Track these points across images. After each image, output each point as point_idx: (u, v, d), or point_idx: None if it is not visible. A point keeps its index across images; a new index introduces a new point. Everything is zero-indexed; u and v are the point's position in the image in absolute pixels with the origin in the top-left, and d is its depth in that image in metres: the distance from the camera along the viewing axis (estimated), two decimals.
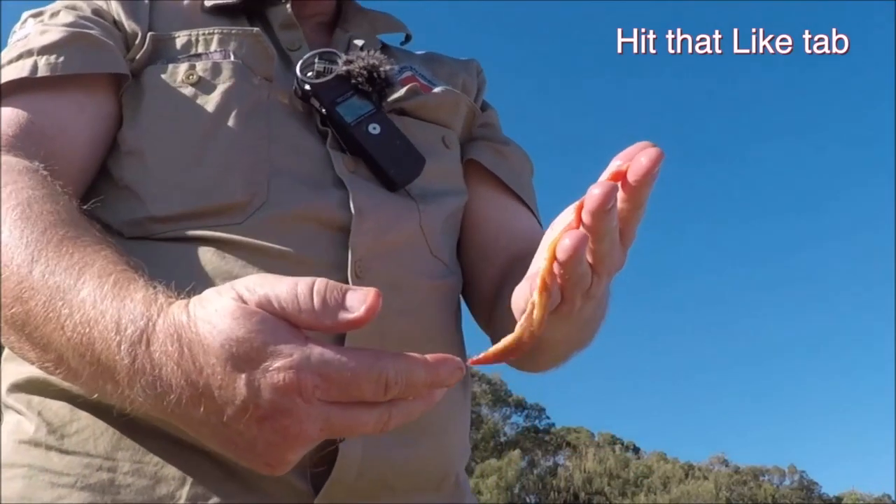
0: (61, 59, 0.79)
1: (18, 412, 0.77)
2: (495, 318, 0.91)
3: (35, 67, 0.78)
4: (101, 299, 0.58)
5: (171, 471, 0.70)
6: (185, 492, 0.70)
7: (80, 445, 0.71)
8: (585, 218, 0.53)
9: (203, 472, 0.71)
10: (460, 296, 0.93)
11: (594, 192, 0.52)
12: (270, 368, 0.51)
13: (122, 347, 0.55)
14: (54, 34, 0.80)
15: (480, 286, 0.93)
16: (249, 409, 0.52)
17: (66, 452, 0.71)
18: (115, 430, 0.72)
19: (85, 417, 0.72)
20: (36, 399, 0.75)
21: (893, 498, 35.86)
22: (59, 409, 0.74)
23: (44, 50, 0.79)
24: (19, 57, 0.79)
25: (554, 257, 0.54)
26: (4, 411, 0.80)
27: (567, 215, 0.58)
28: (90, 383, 0.59)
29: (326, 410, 0.52)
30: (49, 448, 0.72)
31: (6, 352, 0.81)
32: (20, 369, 0.78)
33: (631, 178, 0.53)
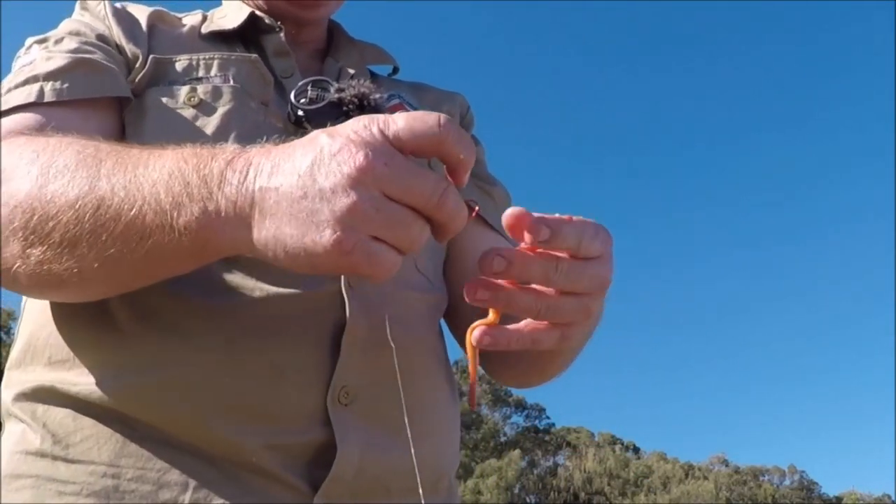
0: (66, 84, 0.82)
1: (22, 421, 0.79)
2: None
3: (42, 93, 0.81)
4: (187, 153, 0.64)
5: (173, 476, 0.73)
6: (187, 496, 0.72)
7: (84, 454, 0.74)
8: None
9: (205, 476, 0.73)
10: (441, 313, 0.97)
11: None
12: (352, 122, 0.59)
13: (219, 158, 0.61)
14: (59, 60, 0.83)
15: (467, 309, 0.96)
16: (323, 152, 0.57)
17: (72, 461, 0.74)
18: (119, 437, 0.74)
19: (89, 426, 0.75)
20: (41, 408, 0.78)
21: (893, 498, 35.87)
22: (63, 418, 0.76)
23: (49, 76, 0.82)
24: (25, 82, 0.82)
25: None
26: (7, 419, 0.82)
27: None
28: (167, 213, 0.61)
29: (393, 152, 0.57)
30: (55, 458, 0.75)
31: (11, 359, 0.84)
32: (25, 378, 0.80)
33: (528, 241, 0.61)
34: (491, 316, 0.64)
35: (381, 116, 0.58)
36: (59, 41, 0.87)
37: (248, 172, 0.60)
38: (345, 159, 0.56)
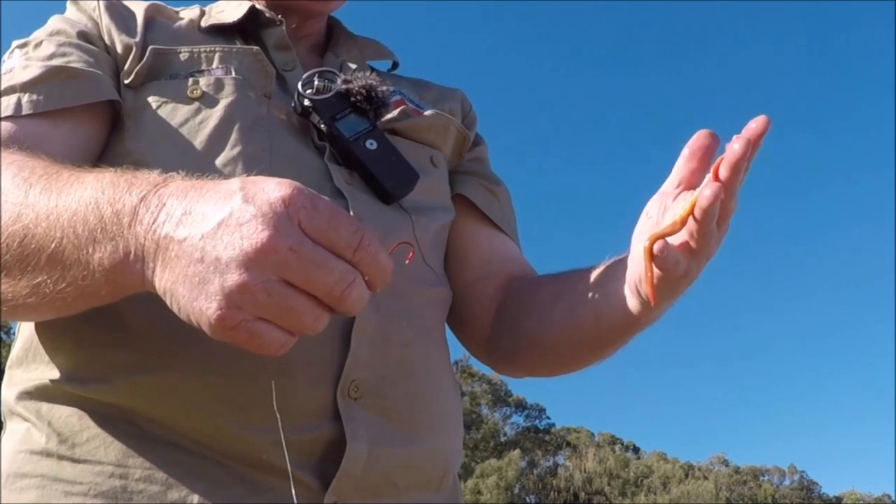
0: (41, 96, 0.81)
1: (26, 420, 0.78)
2: (496, 327, 0.97)
3: (19, 105, 0.81)
4: (105, 181, 0.63)
5: (181, 476, 0.72)
6: (195, 496, 0.72)
7: (91, 454, 0.74)
8: (724, 171, 0.66)
9: (213, 475, 0.73)
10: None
11: (734, 147, 0.65)
12: (270, 186, 0.56)
13: (133, 192, 0.60)
14: (34, 69, 0.83)
15: (478, 302, 0.99)
16: (231, 216, 0.55)
17: (78, 461, 0.74)
18: (125, 437, 0.74)
19: (94, 426, 0.75)
20: (45, 407, 0.77)
21: (893, 498, 35.85)
22: (68, 417, 0.76)
23: (25, 87, 0.82)
24: (4, 92, 0.82)
25: (692, 208, 0.67)
26: (9, 417, 0.82)
27: (651, 211, 0.75)
28: (81, 251, 0.61)
29: (302, 238, 0.54)
30: (61, 458, 0.74)
31: (11, 357, 0.83)
32: (28, 376, 0.80)
33: (746, 133, 0.65)
34: (678, 218, 0.69)
35: (306, 191, 0.56)
36: (37, 46, 0.87)
37: (158, 214, 0.58)
38: (249, 234, 0.54)
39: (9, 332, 24.21)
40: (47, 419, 0.76)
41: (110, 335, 0.76)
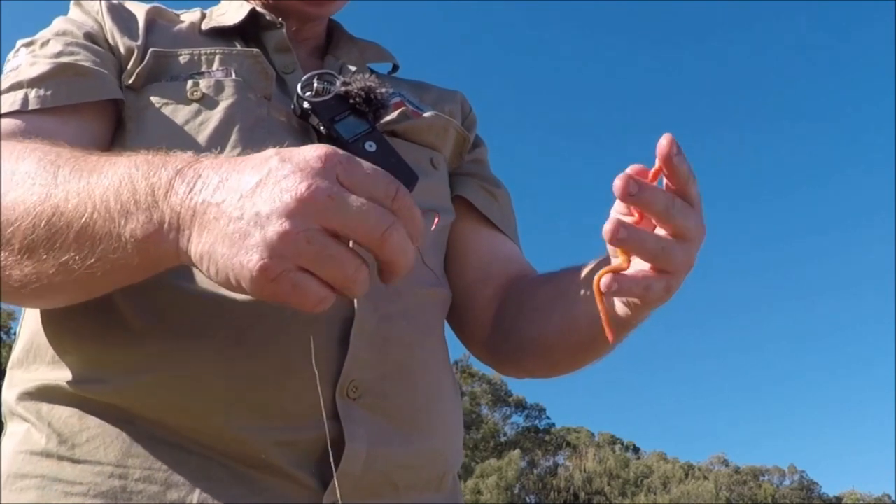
0: (49, 91, 0.82)
1: (27, 421, 0.79)
2: (496, 328, 0.98)
3: (26, 100, 0.81)
4: (139, 159, 0.64)
5: (181, 476, 0.73)
6: (195, 496, 0.72)
7: (90, 454, 0.74)
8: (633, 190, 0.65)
9: (213, 475, 0.73)
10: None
11: (625, 173, 0.65)
12: (304, 149, 0.58)
13: (169, 167, 0.61)
14: (42, 66, 0.83)
15: (478, 303, 1.00)
16: (270, 175, 0.57)
17: (78, 461, 0.74)
18: (125, 437, 0.74)
19: (95, 426, 0.75)
20: (45, 407, 0.77)
21: (893, 498, 35.86)
22: (68, 417, 0.76)
23: (33, 83, 0.82)
24: (10, 88, 0.82)
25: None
26: (10, 418, 0.82)
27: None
28: (115, 224, 0.62)
29: (340, 189, 0.56)
30: (61, 458, 0.74)
31: (12, 358, 0.84)
32: (29, 377, 0.80)
33: (658, 160, 0.66)
34: (621, 261, 0.69)
35: (340, 151, 0.58)
36: (45, 44, 0.87)
37: (195, 184, 0.59)
38: (288, 187, 0.55)
39: (9, 332, 24.21)
40: (47, 420, 0.77)
41: (110, 336, 0.76)
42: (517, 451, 31.97)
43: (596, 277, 0.68)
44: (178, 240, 0.60)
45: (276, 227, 0.54)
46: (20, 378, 0.81)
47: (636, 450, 37.72)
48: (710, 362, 62.91)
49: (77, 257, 0.64)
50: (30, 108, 0.81)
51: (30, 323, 0.83)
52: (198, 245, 0.59)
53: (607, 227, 0.65)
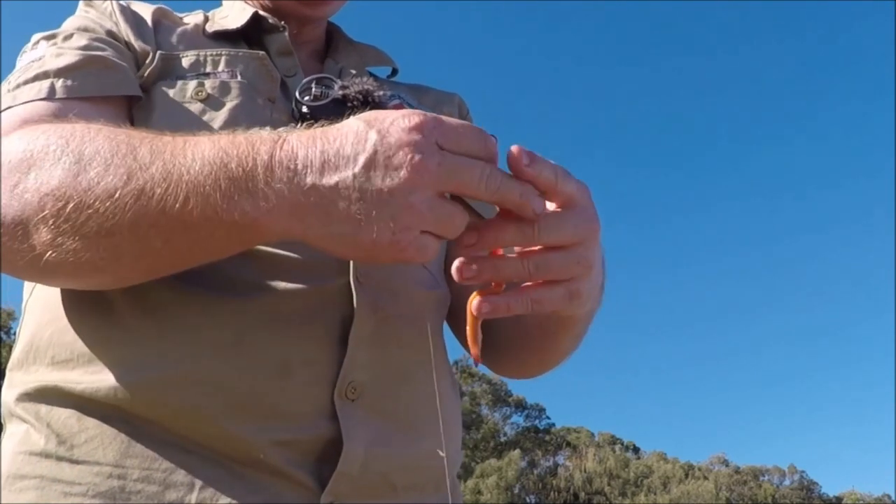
0: (77, 82, 0.82)
1: (26, 422, 0.79)
2: (489, 330, 0.97)
3: (52, 89, 0.80)
4: (222, 142, 0.64)
5: (179, 476, 0.73)
6: (194, 496, 0.72)
7: (89, 454, 0.74)
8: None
9: (211, 475, 0.73)
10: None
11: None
12: (397, 118, 0.61)
13: (261, 150, 0.62)
14: (70, 57, 0.83)
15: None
16: (378, 153, 0.59)
17: (77, 462, 0.74)
18: (124, 437, 0.74)
19: (93, 426, 0.75)
20: (44, 408, 0.77)
21: (893, 498, 35.85)
22: (67, 418, 0.76)
23: (60, 72, 0.82)
24: (35, 78, 0.81)
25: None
26: (9, 420, 0.82)
27: None
28: (218, 205, 0.62)
29: (442, 154, 0.60)
30: (60, 459, 0.74)
31: (12, 360, 0.84)
32: (28, 378, 0.80)
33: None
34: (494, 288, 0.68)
35: (429, 115, 0.62)
36: (68, 37, 0.87)
37: (296, 167, 0.61)
38: (401, 163, 0.59)
39: (9, 332, 24.22)
40: (46, 420, 0.77)
41: (109, 336, 0.76)
42: (517, 451, 31.98)
43: (469, 301, 0.67)
44: (289, 222, 0.62)
45: (400, 202, 0.59)
46: (20, 379, 0.81)
47: (636, 450, 37.73)
48: (710, 362, 62.92)
49: (165, 239, 0.65)
50: (57, 97, 0.80)
51: (30, 324, 0.83)
52: (314, 227, 0.61)
53: (452, 271, 0.66)
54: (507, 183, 0.62)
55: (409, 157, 0.59)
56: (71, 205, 0.65)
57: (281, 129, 0.65)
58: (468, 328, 0.69)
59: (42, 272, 0.70)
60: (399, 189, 0.59)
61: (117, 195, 0.64)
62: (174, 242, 0.65)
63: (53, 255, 0.67)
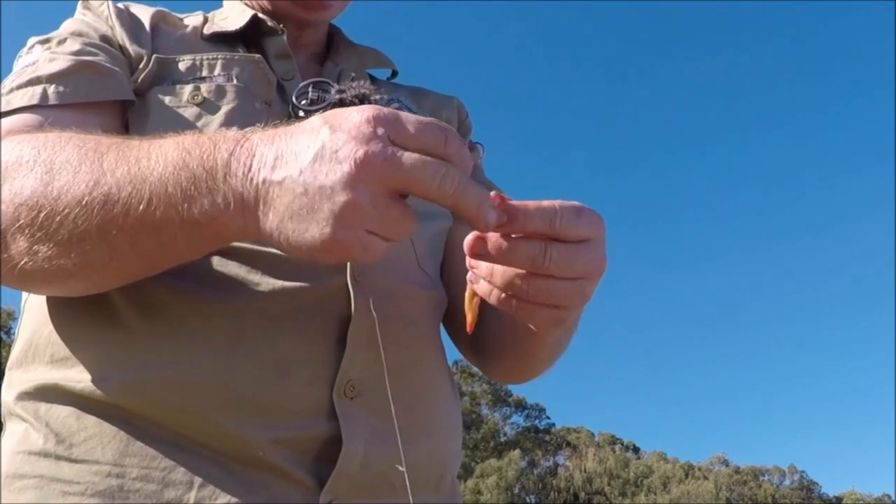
0: (69, 88, 0.82)
1: (25, 421, 0.79)
2: (481, 333, 0.98)
3: (45, 95, 0.81)
4: (186, 143, 0.65)
5: (178, 475, 0.73)
6: (192, 494, 0.72)
7: (88, 453, 0.74)
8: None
9: (210, 474, 0.73)
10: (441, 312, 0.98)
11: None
12: (351, 114, 0.59)
13: (221, 148, 0.62)
14: (62, 62, 0.83)
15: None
16: (325, 146, 0.58)
17: (76, 461, 0.74)
18: (122, 436, 0.74)
19: (92, 426, 0.75)
20: (44, 408, 0.78)
21: (893, 498, 35.86)
22: (66, 417, 0.76)
23: (52, 78, 0.82)
24: (28, 83, 0.82)
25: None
26: (8, 419, 0.82)
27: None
28: (177, 207, 0.63)
29: (393, 149, 0.57)
30: (59, 458, 0.74)
31: (11, 359, 0.84)
32: (27, 377, 0.80)
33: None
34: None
35: (385, 109, 0.59)
36: (61, 42, 0.87)
37: (251, 164, 0.61)
38: (345, 156, 0.57)
39: (9, 332, 24.22)
40: (45, 420, 0.77)
41: (108, 335, 0.77)
42: (517, 451, 31.99)
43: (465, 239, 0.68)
44: (244, 218, 0.62)
45: (341, 198, 0.57)
46: (19, 378, 0.81)
47: (636, 450, 37.74)
48: (710, 362, 62.91)
49: (133, 242, 0.65)
50: (49, 103, 0.80)
51: (29, 324, 0.83)
52: (265, 223, 0.61)
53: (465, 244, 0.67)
54: (464, 187, 0.59)
55: (353, 150, 0.57)
56: (43, 213, 0.66)
57: (248, 128, 0.65)
58: (466, 294, 0.70)
59: (21, 280, 0.71)
60: (340, 183, 0.57)
61: (85, 201, 0.65)
62: (141, 245, 0.66)
63: (30, 262, 0.68)
